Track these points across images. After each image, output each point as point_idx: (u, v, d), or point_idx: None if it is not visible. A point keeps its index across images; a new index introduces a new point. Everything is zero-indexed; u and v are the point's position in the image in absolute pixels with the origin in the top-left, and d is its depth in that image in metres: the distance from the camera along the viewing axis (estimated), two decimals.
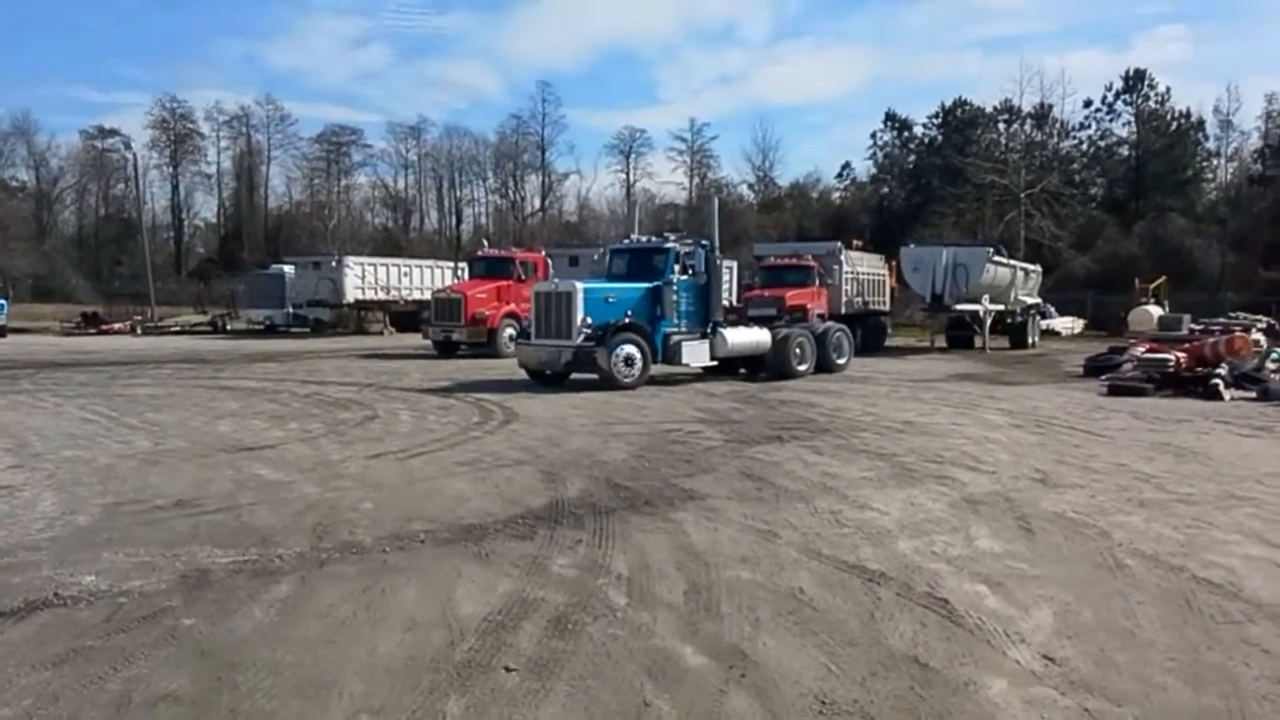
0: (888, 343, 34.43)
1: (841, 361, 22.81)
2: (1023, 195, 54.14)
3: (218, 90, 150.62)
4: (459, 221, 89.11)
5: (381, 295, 42.57)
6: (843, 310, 30.24)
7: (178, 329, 47.64)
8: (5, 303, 43.26)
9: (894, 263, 34.50)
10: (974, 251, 32.13)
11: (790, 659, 4.87)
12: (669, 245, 19.70)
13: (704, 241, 20.11)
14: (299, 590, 5.96)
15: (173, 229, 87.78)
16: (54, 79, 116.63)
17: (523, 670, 4.70)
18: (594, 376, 18.18)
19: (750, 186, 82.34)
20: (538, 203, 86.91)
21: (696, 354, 19.52)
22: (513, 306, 28.22)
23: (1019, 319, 34.34)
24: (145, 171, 76.71)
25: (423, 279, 42.51)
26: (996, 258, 32.21)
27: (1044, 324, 38.14)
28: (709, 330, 19.79)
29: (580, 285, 18.66)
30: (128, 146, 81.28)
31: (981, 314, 31.61)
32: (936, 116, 70.35)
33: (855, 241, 35.17)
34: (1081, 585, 6.09)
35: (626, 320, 18.45)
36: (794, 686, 4.56)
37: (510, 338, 26.62)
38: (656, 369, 19.41)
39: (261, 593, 5.88)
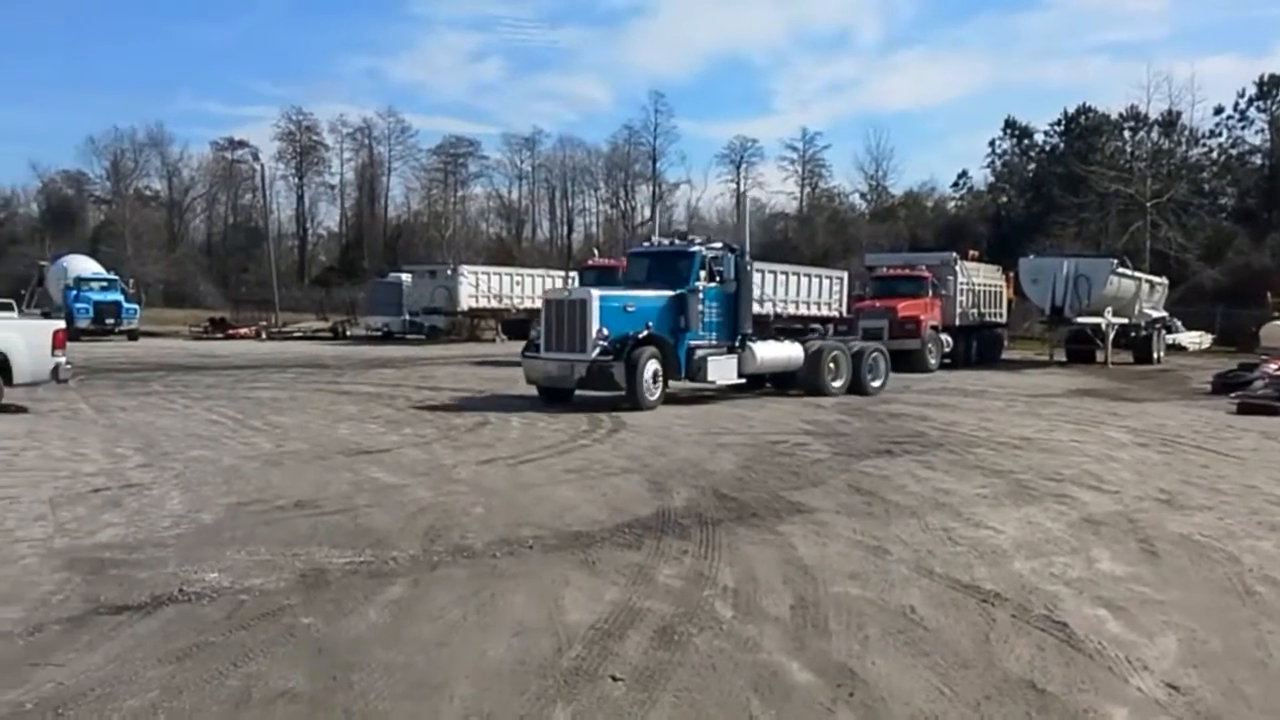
0: (1004, 355, 33.62)
1: (876, 384, 20.28)
2: (1148, 205, 52.12)
3: (342, 104, 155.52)
4: (570, 231, 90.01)
5: (494, 304, 43.35)
6: (957, 322, 29.63)
7: (300, 334, 49.22)
8: (138, 307, 45.24)
9: (1012, 274, 33.65)
10: (1097, 263, 31.15)
11: (901, 679, 4.78)
12: (694, 249, 17.97)
13: (734, 245, 18.51)
14: (412, 592, 6.09)
15: (297, 238, 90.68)
16: (187, 93, 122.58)
17: (629, 680, 4.71)
18: (605, 394, 16.65)
19: (862, 195, 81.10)
20: (648, 212, 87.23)
21: (723, 370, 17.79)
22: None
23: (1143, 333, 33.12)
24: (272, 182, 79.51)
25: (534, 288, 43.08)
26: (1120, 269, 31.16)
27: (1169, 338, 36.71)
28: (737, 344, 18.09)
29: (596, 293, 16.99)
30: (256, 158, 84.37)
31: (1104, 327, 30.58)
32: (1058, 124, 68.20)
33: (971, 252, 34.38)
34: (1209, 612, 5.84)
35: (647, 332, 16.70)
36: (904, 708, 4.47)
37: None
38: (677, 385, 17.98)
39: (376, 593, 6.03)
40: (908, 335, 26.74)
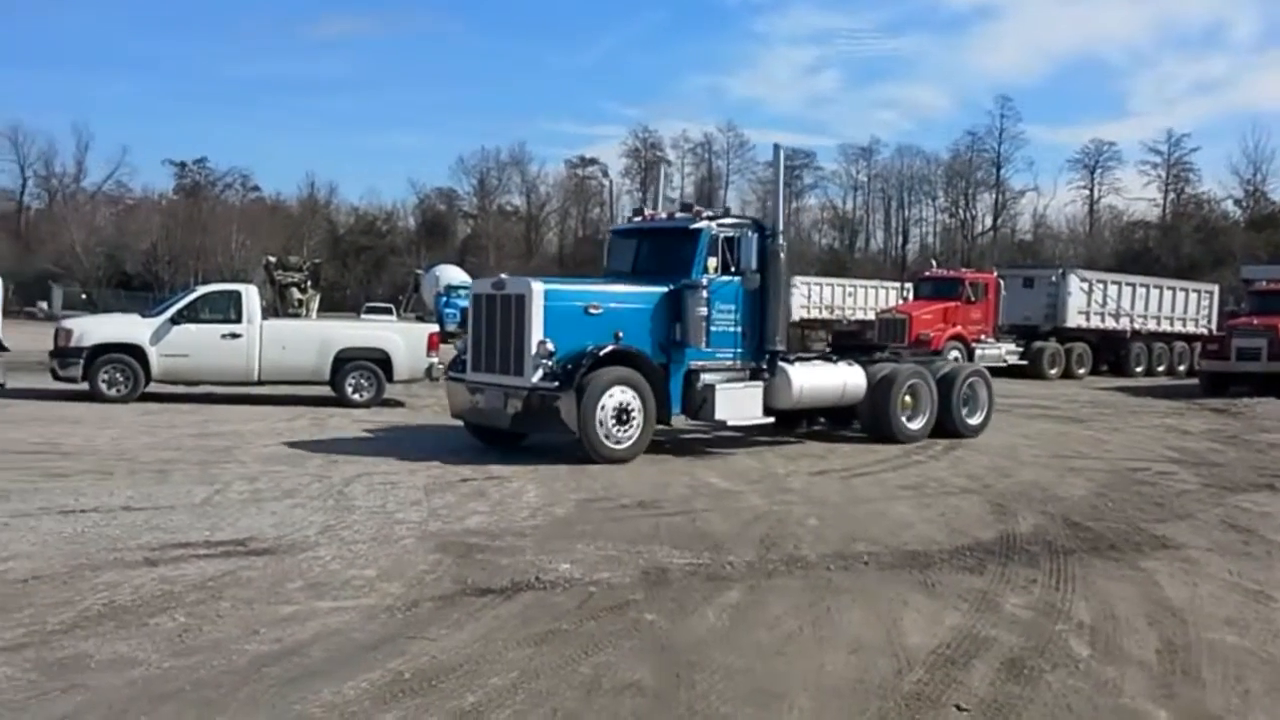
0: None
1: (974, 421, 14.48)
2: None
3: (684, 120, 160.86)
4: (905, 241, 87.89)
5: (825, 314, 43.19)
6: None
7: None
8: None
9: None
10: None
11: None
12: (700, 225, 12.32)
13: (761, 221, 13.34)
14: (748, 598, 6.17)
15: None
16: (545, 115, 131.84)
17: (974, 711, 4.50)
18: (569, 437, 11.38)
19: (1237, 202, 73.32)
20: (989, 221, 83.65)
21: (740, 405, 12.23)
22: (959, 329, 27.52)
23: None
24: (618, 196, 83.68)
25: (866, 299, 42.61)
26: None
27: None
28: (763, 366, 12.62)
29: (539, 286, 11.55)
30: (605, 174, 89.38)
31: None
32: None
33: None
34: None
35: (615, 346, 11.44)
36: None
37: (954, 360, 25.55)
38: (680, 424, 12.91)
39: (714, 596, 6.16)
40: None
